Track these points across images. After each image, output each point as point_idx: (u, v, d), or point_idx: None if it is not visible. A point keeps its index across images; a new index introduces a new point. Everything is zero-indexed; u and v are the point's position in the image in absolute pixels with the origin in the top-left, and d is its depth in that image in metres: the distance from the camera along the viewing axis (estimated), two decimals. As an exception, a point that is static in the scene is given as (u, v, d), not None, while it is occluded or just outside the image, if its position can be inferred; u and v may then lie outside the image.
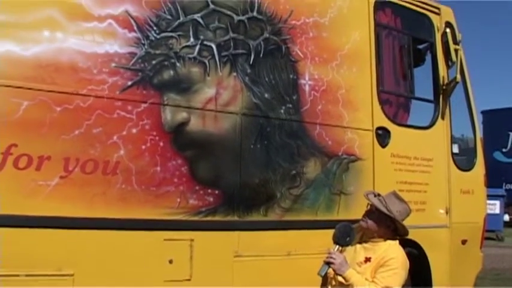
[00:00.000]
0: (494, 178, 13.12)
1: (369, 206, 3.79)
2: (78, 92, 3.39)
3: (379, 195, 3.74)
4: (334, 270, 3.52)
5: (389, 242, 3.67)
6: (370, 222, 3.67)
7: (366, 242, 3.73)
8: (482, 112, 18.53)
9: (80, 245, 3.35)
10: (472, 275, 5.52)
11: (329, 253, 3.57)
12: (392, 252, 3.59)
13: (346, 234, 3.62)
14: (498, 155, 18.55)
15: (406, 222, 3.71)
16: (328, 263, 3.52)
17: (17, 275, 3.14)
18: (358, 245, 3.74)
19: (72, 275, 3.30)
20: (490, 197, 9.55)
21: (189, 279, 3.74)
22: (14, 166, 3.16)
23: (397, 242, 3.71)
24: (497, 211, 13.45)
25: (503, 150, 18.73)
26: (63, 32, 3.41)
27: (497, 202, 13.40)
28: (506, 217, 15.22)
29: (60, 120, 3.32)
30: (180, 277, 3.71)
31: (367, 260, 3.62)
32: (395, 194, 3.76)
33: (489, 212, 7.55)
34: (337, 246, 3.61)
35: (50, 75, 3.32)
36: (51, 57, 3.36)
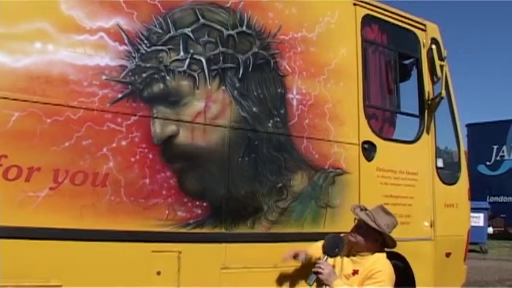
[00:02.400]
0: (479, 191, 13.25)
1: (356, 221, 3.83)
2: (68, 104, 3.41)
3: (365, 209, 3.78)
4: (322, 280, 3.56)
5: (377, 254, 3.72)
6: (359, 237, 3.72)
7: (354, 255, 3.78)
8: (467, 125, 18.73)
9: (68, 256, 3.36)
10: (455, 287, 5.57)
11: (318, 263, 3.61)
12: (379, 265, 3.64)
13: (335, 245, 3.66)
14: (482, 168, 18.69)
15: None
16: (316, 273, 3.56)
17: (5, 286, 3.13)
18: (346, 258, 3.79)
19: (60, 286, 3.30)
20: (474, 209, 9.65)
21: (176, 291, 3.74)
22: (3, 177, 3.17)
23: (385, 255, 3.76)
24: (481, 224, 13.54)
25: (487, 163, 18.86)
26: (54, 44, 3.43)
27: (481, 215, 13.49)
28: (490, 230, 15.34)
29: (50, 131, 3.33)
30: (168, 289, 3.71)
31: (355, 272, 3.67)
32: (382, 208, 3.81)
33: (473, 224, 7.64)
34: (326, 257, 3.66)
35: (40, 86, 3.34)
36: (42, 69, 3.37)
